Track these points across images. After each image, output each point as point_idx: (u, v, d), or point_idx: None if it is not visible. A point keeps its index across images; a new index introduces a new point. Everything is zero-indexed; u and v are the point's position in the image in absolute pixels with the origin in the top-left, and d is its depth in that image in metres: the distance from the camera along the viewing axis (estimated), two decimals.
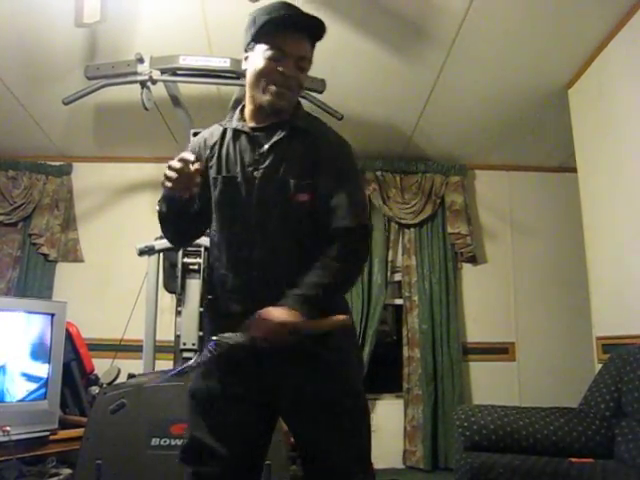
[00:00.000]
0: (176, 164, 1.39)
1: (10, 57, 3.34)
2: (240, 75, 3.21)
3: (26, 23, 3.11)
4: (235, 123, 1.55)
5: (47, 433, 2.88)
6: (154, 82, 3.20)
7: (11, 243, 4.34)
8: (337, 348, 1.45)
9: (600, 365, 2.84)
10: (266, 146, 1.48)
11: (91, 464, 2.39)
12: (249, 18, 1.51)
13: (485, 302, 4.48)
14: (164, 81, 3.24)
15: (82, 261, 4.42)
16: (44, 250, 4.33)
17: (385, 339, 5.00)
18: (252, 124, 1.53)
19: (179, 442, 2.42)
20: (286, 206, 1.45)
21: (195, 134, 3.19)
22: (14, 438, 2.67)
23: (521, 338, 4.39)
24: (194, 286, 2.93)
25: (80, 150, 4.49)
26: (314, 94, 3.25)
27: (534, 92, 3.62)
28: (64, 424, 3.04)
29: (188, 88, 3.41)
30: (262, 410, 1.48)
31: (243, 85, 3.24)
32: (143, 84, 3.18)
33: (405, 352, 4.29)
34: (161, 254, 3.01)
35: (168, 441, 2.43)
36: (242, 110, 1.58)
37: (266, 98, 1.47)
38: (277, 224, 1.45)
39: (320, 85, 3.23)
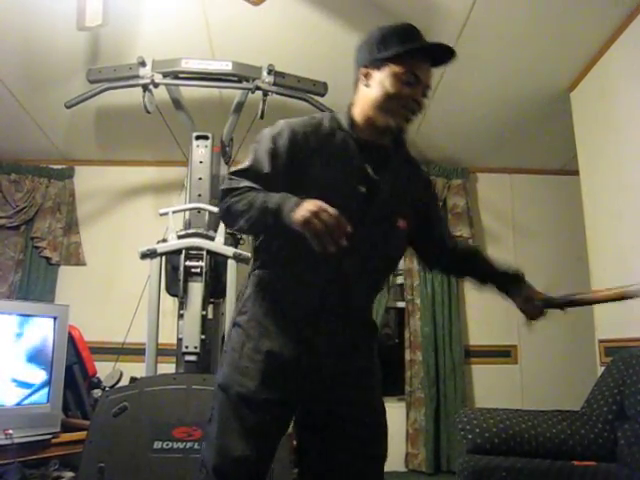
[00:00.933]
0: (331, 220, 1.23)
1: (13, 61, 3.36)
2: (242, 78, 3.22)
3: (29, 27, 3.12)
4: (349, 129, 1.49)
5: (49, 436, 2.88)
6: (156, 85, 3.21)
7: (13, 246, 4.35)
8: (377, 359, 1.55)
9: (603, 368, 2.84)
10: (382, 167, 1.48)
11: (94, 467, 2.39)
12: (376, 34, 1.50)
13: (487, 305, 4.45)
14: (166, 84, 3.25)
15: (84, 264, 4.43)
16: (46, 253, 4.34)
17: (387, 342, 4.99)
18: (364, 136, 1.49)
19: (181, 445, 2.43)
20: (389, 228, 1.48)
21: (198, 137, 3.24)
22: (16, 441, 2.66)
23: (523, 341, 4.38)
24: (196, 289, 2.92)
25: (82, 153, 4.50)
26: (316, 97, 3.26)
27: (536, 95, 3.62)
28: (66, 427, 3.03)
29: (190, 91, 3.42)
30: (293, 411, 1.49)
31: (245, 89, 3.29)
32: (145, 87, 3.19)
33: (407, 355, 4.29)
34: (163, 257, 3.01)
35: (170, 444, 2.43)
36: (349, 117, 1.52)
37: (392, 120, 1.45)
38: (376, 244, 1.45)
39: (322, 88, 3.23)
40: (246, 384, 1.39)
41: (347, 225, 1.23)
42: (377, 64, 1.46)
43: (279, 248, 1.46)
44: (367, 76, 1.48)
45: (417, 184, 1.59)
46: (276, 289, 1.47)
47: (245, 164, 1.46)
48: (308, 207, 1.24)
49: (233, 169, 1.48)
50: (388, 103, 1.44)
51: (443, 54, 1.49)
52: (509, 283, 1.72)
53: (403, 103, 1.44)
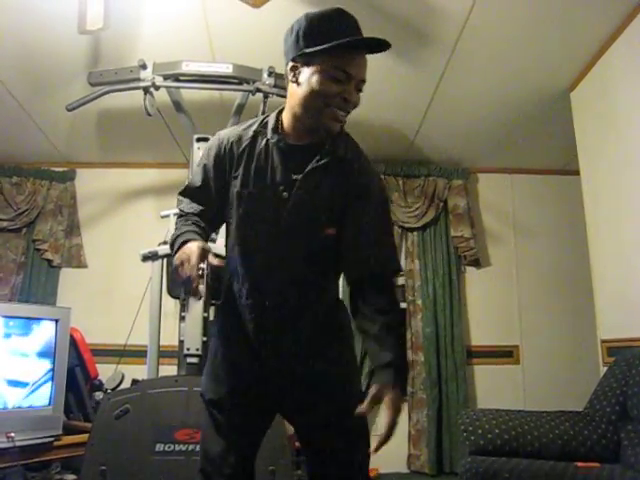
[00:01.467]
0: (187, 268, 1.28)
1: (15, 64, 3.36)
2: (242, 80, 3.22)
3: (31, 31, 3.12)
4: (270, 134, 1.44)
5: (51, 439, 2.88)
6: (157, 88, 3.21)
7: (15, 249, 4.35)
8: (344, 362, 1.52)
9: (605, 368, 2.84)
10: (305, 169, 1.40)
11: (95, 470, 2.40)
12: (302, 24, 1.37)
13: (489, 305, 4.47)
14: (167, 87, 3.25)
15: (86, 267, 4.43)
16: (48, 256, 4.34)
17: None
18: (289, 140, 1.44)
19: (183, 447, 2.43)
20: (313, 236, 1.42)
21: (198, 140, 3.24)
22: (18, 444, 2.67)
23: (525, 341, 4.38)
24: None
25: (83, 156, 4.51)
26: None
27: (536, 95, 3.62)
28: (68, 430, 3.03)
29: (191, 94, 3.42)
30: (267, 413, 1.53)
31: (245, 91, 3.29)
32: (146, 90, 3.19)
33: (409, 356, 4.28)
34: (165, 259, 3.01)
35: (172, 447, 2.44)
36: (277, 119, 1.46)
37: (321, 120, 1.37)
38: (300, 252, 1.43)
39: None
40: (217, 390, 1.48)
41: (200, 278, 1.26)
42: (304, 59, 1.36)
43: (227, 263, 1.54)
44: (295, 72, 1.38)
45: (355, 187, 1.44)
46: (228, 301, 1.54)
47: (186, 182, 1.58)
48: (178, 255, 1.33)
49: (180, 188, 1.57)
50: (314, 101, 1.35)
51: (377, 44, 1.36)
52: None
53: (332, 102, 1.35)
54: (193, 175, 1.55)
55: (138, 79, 3.18)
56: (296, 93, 1.39)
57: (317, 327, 1.48)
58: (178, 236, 1.41)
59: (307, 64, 1.36)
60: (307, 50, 1.34)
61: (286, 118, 1.45)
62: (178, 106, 3.37)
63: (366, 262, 1.42)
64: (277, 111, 1.49)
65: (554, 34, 3.07)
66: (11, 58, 3.30)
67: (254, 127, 1.48)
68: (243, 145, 1.45)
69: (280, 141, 1.43)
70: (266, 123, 1.47)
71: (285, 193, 1.40)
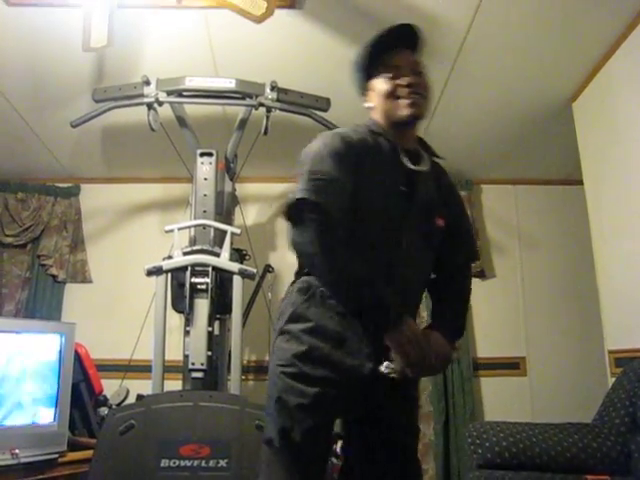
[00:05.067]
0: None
1: (19, 81, 3.39)
2: (245, 95, 3.24)
3: (36, 49, 3.15)
4: (382, 138, 1.55)
5: (56, 455, 2.86)
6: (161, 104, 3.23)
7: (20, 265, 4.36)
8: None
9: (613, 379, 2.81)
10: (423, 169, 1.54)
11: None
12: (354, 66, 1.63)
13: (494, 316, 4.44)
14: (170, 102, 3.27)
15: (90, 282, 4.43)
16: (53, 271, 4.34)
17: None
18: (397, 142, 1.56)
19: (189, 463, 2.41)
20: (431, 227, 1.53)
21: (202, 154, 3.26)
22: (23, 461, 2.65)
23: (532, 352, 4.35)
24: (202, 306, 2.92)
25: (88, 172, 4.53)
26: (319, 112, 3.28)
27: (538, 106, 3.63)
28: (73, 446, 3.02)
29: (194, 109, 3.44)
30: None
31: (248, 105, 3.31)
32: (150, 106, 3.21)
33: None
34: (169, 274, 3.02)
35: (178, 462, 2.41)
36: (378, 125, 1.59)
37: (402, 113, 1.53)
38: (421, 242, 1.51)
39: (325, 104, 3.24)
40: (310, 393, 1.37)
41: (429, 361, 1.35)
42: (367, 86, 1.62)
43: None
44: (367, 98, 1.63)
45: (446, 185, 1.67)
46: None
47: (305, 175, 1.38)
48: (408, 334, 1.31)
49: (301, 195, 1.35)
50: (386, 104, 1.55)
51: (408, 35, 1.59)
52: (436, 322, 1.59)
53: (398, 94, 1.53)
54: (316, 165, 1.40)
55: (142, 95, 3.20)
56: (376, 108, 1.59)
57: None
58: (385, 292, 1.34)
59: (367, 84, 1.61)
60: (363, 79, 1.61)
61: (383, 125, 1.59)
62: (182, 121, 3.38)
63: (469, 251, 1.72)
64: (371, 122, 1.60)
65: (555, 45, 3.08)
66: (16, 75, 3.33)
67: (362, 130, 1.56)
68: (363, 143, 1.52)
69: (392, 143, 1.55)
70: (369, 127, 1.58)
71: (404, 188, 1.49)
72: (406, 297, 1.48)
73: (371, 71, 1.59)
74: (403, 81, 1.52)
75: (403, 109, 1.52)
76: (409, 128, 1.58)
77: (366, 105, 1.63)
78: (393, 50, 1.56)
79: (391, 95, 1.53)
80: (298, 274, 1.52)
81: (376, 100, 1.58)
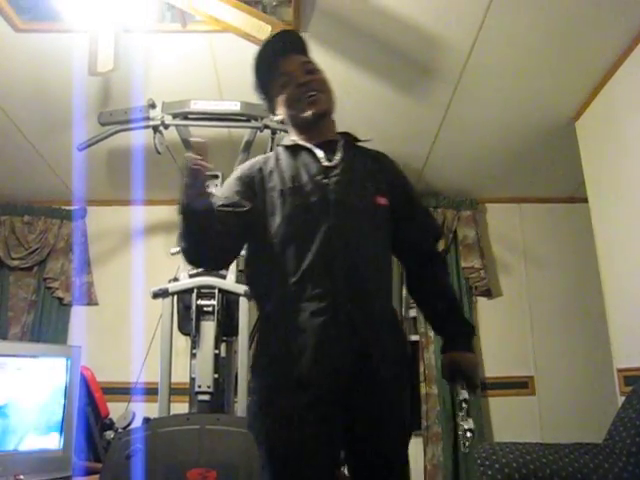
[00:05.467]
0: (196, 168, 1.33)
1: (26, 105, 3.43)
2: (250, 118, 3.27)
3: (42, 73, 3.20)
4: (290, 143, 1.59)
5: None
6: (166, 127, 3.26)
7: (26, 287, 4.37)
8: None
9: (623, 398, 2.78)
10: (337, 155, 1.52)
11: None
12: (255, 91, 1.66)
13: (502, 336, 4.42)
14: (176, 125, 3.29)
15: (97, 304, 4.43)
16: (59, 294, 4.35)
17: None
18: (307, 142, 1.56)
19: None
20: (369, 208, 1.47)
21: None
22: None
23: (540, 371, 4.31)
24: (208, 328, 2.92)
25: (94, 194, 4.55)
26: None
27: (542, 125, 3.64)
28: (79, 471, 3.00)
29: (199, 131, 3.46)
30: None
31: (253, 127, 3.33)
32: (155, 129, 3.24)
33: (423, 389, 4.23)
34: (175, 296, 3.02)
35: None
36: (288, 138, 1.65)
37: (307, 113, 1.53)
38: (360, 227, 1.44)
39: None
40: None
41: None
42: (270, 101, 1.65)
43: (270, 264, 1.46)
44: (278, 111, 1.63)
45: (389, 168, 1.64)
46: (276, 315, 1.44)
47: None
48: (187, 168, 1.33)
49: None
50: (290, 109, 1.57)
51: (289, 42, 1.61)
52: (448, 342, 1.58)
53: (297, 96, 1.54)
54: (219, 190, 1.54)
55: (148, 118, 3.23)
56: (284, 118, 1.61)
57: (385, 326, 1.44)
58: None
59: (272, 103, 1.64)
60: (263, 96, 1.66)
61: (292, 133, 1.63)
62: (187, 144, 3.40)
63: (429, 230, 1.67)
64: (286, 137, 1.70)
65: (557, 64, 3.11)
66: (23, 98, 3.37)
67: (273, 152, 1.61)
68: (271, 162, 1.56)
69: (300, 145, 1.56)
70: (282, 145, 1.62)
71: (325, 180, 1.47)
72: (358, 283, 1.39)
73: (266, 88, 1.62)
74: (298, 80, 1.54)
75: (305, 110, 1.53)
76: (319, 126, 1.57)
77: (276, 119, 1.65)
78: (274, 59, 1.58)
79: (290, 101, 1.55)
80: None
81: (282, 111, 1.60)
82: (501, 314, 4.45)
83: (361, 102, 3.35)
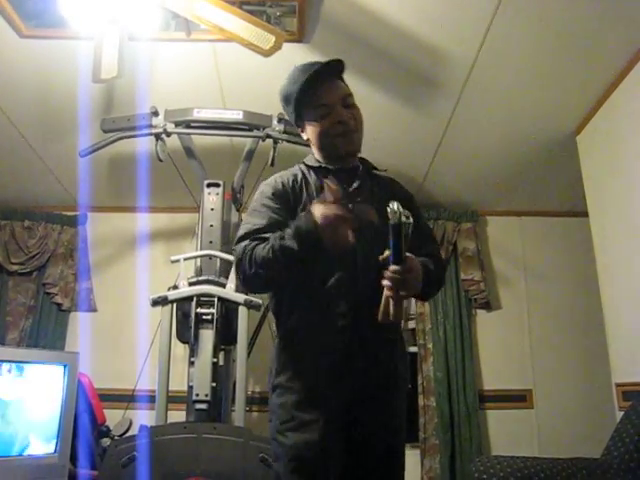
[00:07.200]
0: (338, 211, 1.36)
1: (28, 111, 3.45)
2: (253, 127, 3.28)
3: (45, 79, 3.22)
4: (316, 164, 1.63)
5: None
6: (168, 134, 3.27)
7: (25, 292, 4.36)
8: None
9: (621, 412, 2.77)
10: (358, 181, 1.59)
11: None
12: (280, 98, 1.67)
13: (501, 348, 4.41)
14: (178, 133, 3.31)
15: (95, 311, 4.43)
16: (58, 299, 4.34)
17: None
18: (332, 166, 1.61)
19: None
20: (384, 230, 1.47)
21: (209, 185, 3.28)
22: None
23: (539, 385, 4.30)
24: (207, 336, 2.91)
25: (95, 200, 4.55)
26: None
27: (543, 139, 3.66)
28: (74, 478, 2.98)
29: (202, 139, 3.48)
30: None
31: (255, 137, 3.34)
32: (158, 136, 3.25)
33: (420, 401, 4.21)
34: (174, 304, 3.01)
35: None
36: (314, 159, 1.66)
37: (341, 150, 1.59)
38: (379, 248, 1.44)
39: None
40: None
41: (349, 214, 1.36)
42: (299, 122, 1.66)
43: (290, 300, 1.53)
44: (304, 131, 1.66)
45: (400, 193, 1.65)
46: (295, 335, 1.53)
47: (241, 232, 1.57)
48: (320, 209, 1.35)
49: (239, 236, 1.57)
50: (323, 142, 1.60)
51: (330, 66, 1.59)
52: None
53: (333, 132, 1.57)
54: (250, 219, 1.56)
55: (150, 126, 3.25)
56: (312, 142, 1.64)
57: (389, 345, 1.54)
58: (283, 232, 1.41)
59: (302, 122, 1.65)
60: (293, 120, 1.67)
61: (318, 156, 1.65)
62: (189, 152, 3.42)
63: (429, 255, 1.62)
64: (310, 156, 1.69)
65: (559, 79, 3.12)
66: (26, 103, 3.39)
67: (297, 168, 1.65)
68: (299, 180, 1.60)
69: (326, 168, 1.61)
70: (306, 164, 1.66)
71: (350, 205, 1.50)
72: (374, 300, 1.43)
73: (301, 109, 1.62)
74: (338, 116, 1.56)
75: (339, 147, 1.58)
76: (347, 159, 1.63)
77: (305, 137, 1.67)
78: (319, 85, 1.58)
79: (325, 134, 1.58)
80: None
81: (312, 137, 1.63)
82: (500, 327, 4.44)
83: (364, 113, 3.36)
